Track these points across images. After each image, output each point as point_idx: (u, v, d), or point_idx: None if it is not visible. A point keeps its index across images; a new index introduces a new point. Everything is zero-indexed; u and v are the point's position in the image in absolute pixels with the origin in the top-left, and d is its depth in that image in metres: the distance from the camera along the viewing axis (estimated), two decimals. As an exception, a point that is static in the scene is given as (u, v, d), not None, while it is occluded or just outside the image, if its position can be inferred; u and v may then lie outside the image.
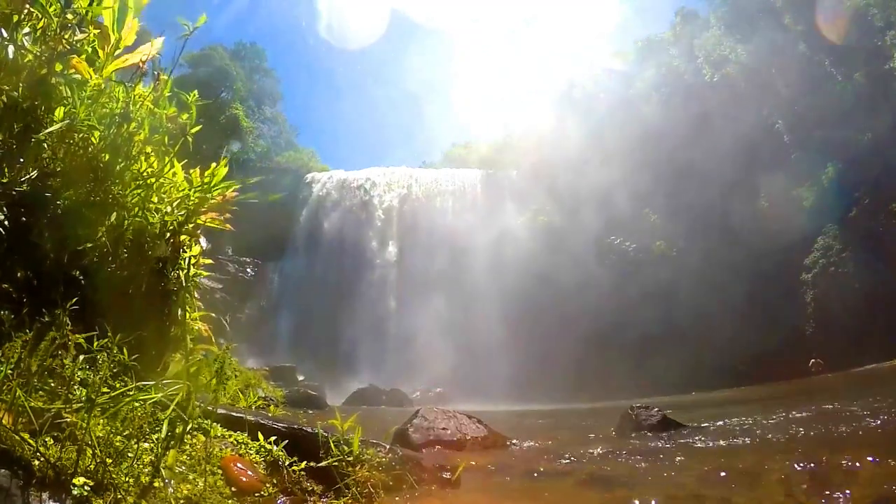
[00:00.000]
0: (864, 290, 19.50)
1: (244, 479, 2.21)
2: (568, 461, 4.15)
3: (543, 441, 5.61)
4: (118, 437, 1.81)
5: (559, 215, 26.70)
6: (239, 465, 2.27)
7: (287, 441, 2.61)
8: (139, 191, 2.74)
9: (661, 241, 25.23)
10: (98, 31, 2.64)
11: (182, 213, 2.93)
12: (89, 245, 2.49)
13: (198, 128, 3.05)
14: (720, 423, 6.36)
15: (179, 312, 3.03)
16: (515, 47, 66.53)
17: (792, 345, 20.07)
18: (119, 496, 1.61)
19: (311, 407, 9.35)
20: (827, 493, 2.68)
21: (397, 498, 2.56)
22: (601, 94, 30.97)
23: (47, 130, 2.35)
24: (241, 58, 43.20)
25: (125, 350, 2.20)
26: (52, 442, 1.63)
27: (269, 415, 3.99)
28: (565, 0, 52.57)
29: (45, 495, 1.46)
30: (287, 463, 2.49)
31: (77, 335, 2.05)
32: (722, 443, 4.84)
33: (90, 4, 2.54)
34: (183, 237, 2.96)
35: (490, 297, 24.53)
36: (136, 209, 2.72)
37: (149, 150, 2.89)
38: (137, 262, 2.71)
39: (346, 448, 2.58)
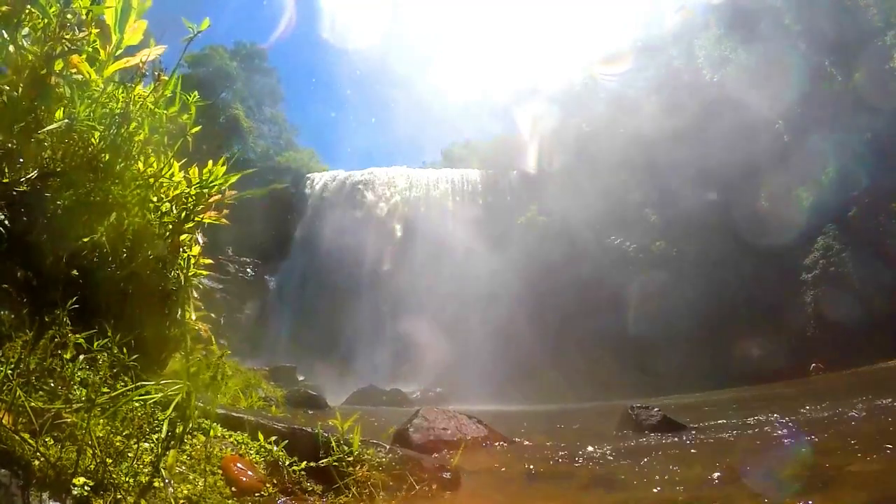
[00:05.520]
0: (864, 290, 19.50)
1: (244, 479, 2.21)
2: (568, 461, 4.14)
3: (544, 441, 5.61)
4: (118, 437, 1.81)
5: (559, 215, 26.69)
6: (239, 465, 2.27)
7: (287, 441, 2.61)
8: (139, 191, 2.74)
9: (661, 241, 25.22)
10: (99, 30, 2.64)
11: (181, 210, 2.93)
12: (89, 245, 2.49)
13: (197, 128, 3.05)
14: (720, 423, 6.36)
15: (179, 312, 3.02)
16: (516, 47, 66.51)
17: (792, 345, 20.06)
18: (119, 496, 1.61)
19: (312, 407, 9.35)
20: (827, 493, 2.68)
21: (397, 498, 2.55)
22: (601, 93, 30.96)
23: (47, 129, 2.34)
24: (241, 58, 43.18)
25: (125, 350, 2.20)
26: (52, 442, 1.63)
27: (269, 415, 3.99)
28: (565, 0, 52.52)
29: (45, 495, 1.45)
30: (287, 463, 2.49)
31: (77, 335, 2.05)
32: (722, 443, 4.84)
33: (91, 4, 2.54)
34: (182, 236, 2.96)
35: (490, 297, 24.51)
36: (136, 209, 2.72)
37: (149, 150, 2.89)
38: (137, 262, 2.71)
39: (346, 448, 2.58)
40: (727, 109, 24.12)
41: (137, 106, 2.71)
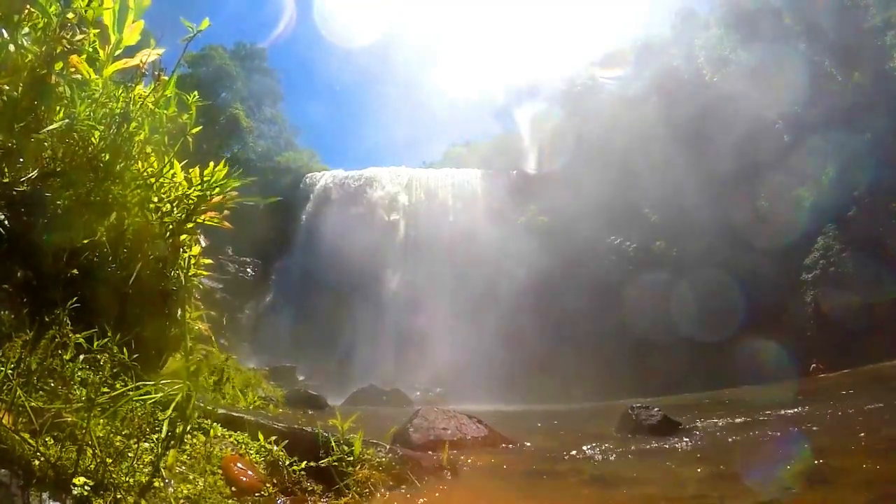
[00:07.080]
0: (864, 290, 19.50)
1: (244, 479, 2.21)
2: (568, 461, 4.14)
3: (544, 441, 5.61)
4: (118, 437, 1.81)
5: (559, 215, 26.69)
6: (239, 464, 2.27)
7: (287, 441, 2.61)
8: (139, 191, 2.74)
9: (661, 241, 25.22)
10: (98, 31, 2.64)
11: (181, 212, 2.93)
12: (89, 245, 2.48)
13: (198, 128, 3.05)
14: (720, 423, 6.36)
15: (179, 312, 3.02)
16: (516, 47, 66.50)
17: (792, 345, 20.05)
18: (119, 496, 1.61)
19: (312, 407, 9.34)
20: (826, 492, 2.68)
21: (397, 497, 2.56)
22: (601, 93, 30.95)
23: (47, 129, 2.34)
24: (241, 58, 43.11)
25: (125, 350, 2.20)
26: (52, 442, 1.63)
27: (269, 415, 3.99)
28: (566, 0, 52.51)
29: (45, 495, 1.45)
30: (287, 463, 2.49)
31: (77, 335, 2.05)
32: (722, 443, 4.85)
33: (89, 4, 2.54)
34: (183, 237, 2.96)
35: (490, 297, 24.52)
36: (136, 209, 2.72)
37: (149, 150, 2.89)
38: (137, 262, 2.71)
39: (345, 448, 2.58)
40: (727, 109, 24.12)
41: (137, 106, 2.71)
